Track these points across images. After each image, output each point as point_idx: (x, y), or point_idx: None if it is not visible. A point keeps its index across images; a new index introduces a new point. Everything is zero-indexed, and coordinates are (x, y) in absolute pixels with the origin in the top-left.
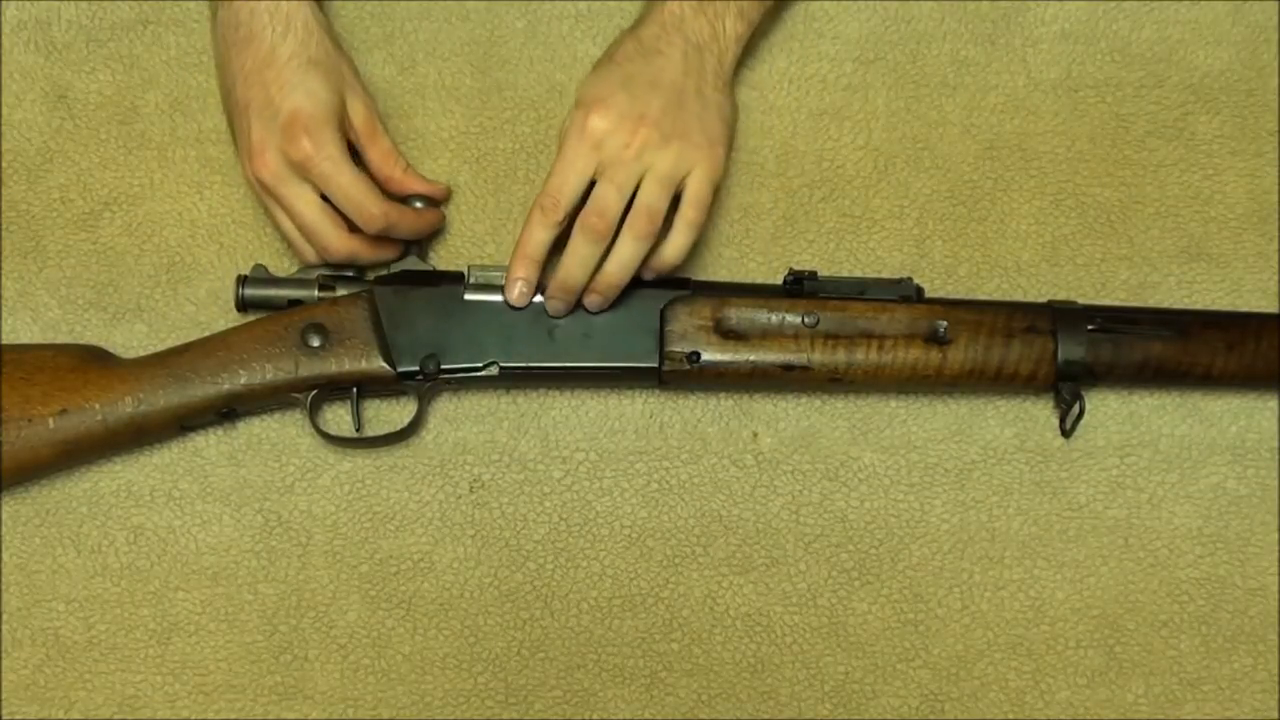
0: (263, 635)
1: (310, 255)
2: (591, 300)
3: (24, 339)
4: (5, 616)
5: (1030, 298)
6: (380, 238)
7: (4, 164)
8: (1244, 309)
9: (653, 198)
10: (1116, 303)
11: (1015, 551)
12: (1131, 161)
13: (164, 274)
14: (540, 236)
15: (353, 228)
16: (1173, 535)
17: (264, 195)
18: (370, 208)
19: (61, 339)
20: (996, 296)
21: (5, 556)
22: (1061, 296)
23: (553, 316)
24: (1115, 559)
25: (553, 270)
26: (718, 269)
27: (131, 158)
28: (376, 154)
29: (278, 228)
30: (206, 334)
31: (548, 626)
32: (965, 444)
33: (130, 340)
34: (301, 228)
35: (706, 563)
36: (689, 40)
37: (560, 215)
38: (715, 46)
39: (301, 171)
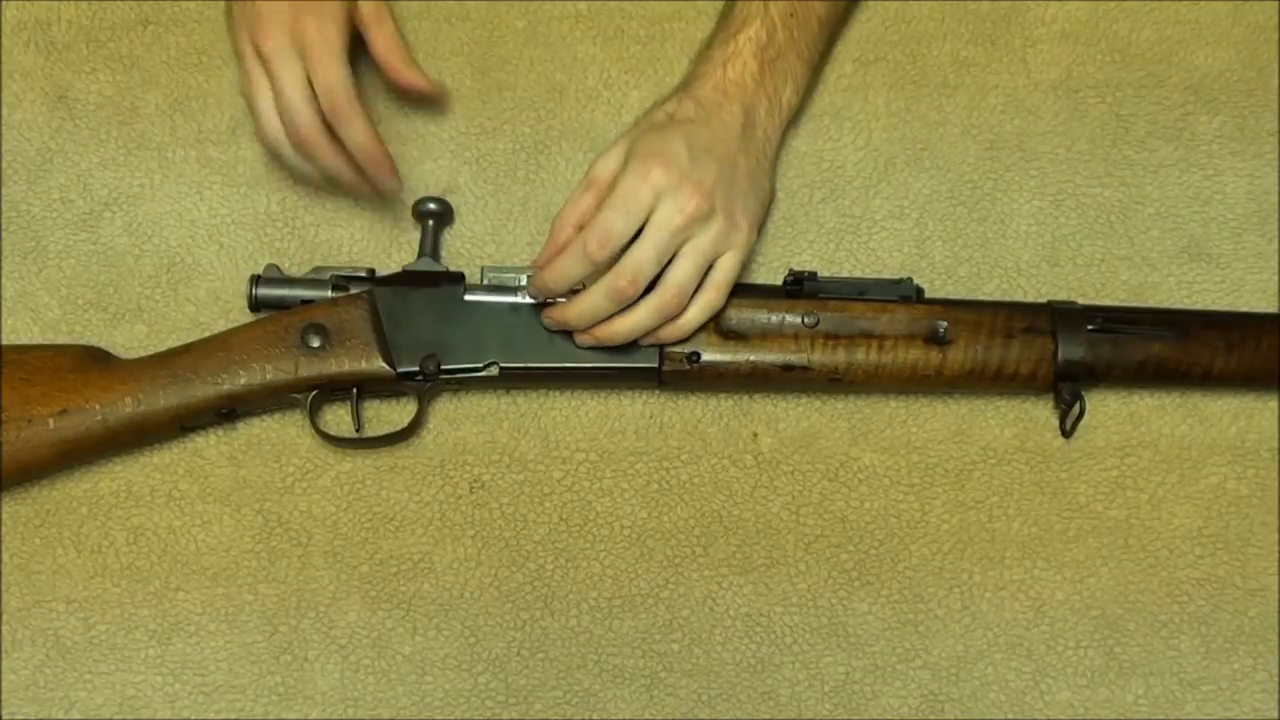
0: (263, 635)
1: (273, 134)
2: (583, 340)
3: (24, 339)
4: (5, 617)
5: (1030, 298)
6: (355, 170)
7: (4, 164)
8: (1244, 309)
9: (687, 276)
10: (1116, 303)
11: (1015, 552)
12: (1131, 161)
13: (164, 274)
14: (576, 271)
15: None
16: (1173, 535)
17: (253, 66)
18: (341, 105)
19: (62, 339)
20: (996, 296)
21: (5, 556)
22: (1061, 296)
23: (529, 298)
24: (1115, 559)
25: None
26: None
27: (131, 158)
28: (381, 39)
29: (251, 100)
30: (207, 334)
31: (548, 627)
32: (965, 444)
33: (130, 340)
34: (284, 107)
35: (706, 563)
36: (747, 112)
37: (604, 258)
38: (769, 123)
39: (300, 49)
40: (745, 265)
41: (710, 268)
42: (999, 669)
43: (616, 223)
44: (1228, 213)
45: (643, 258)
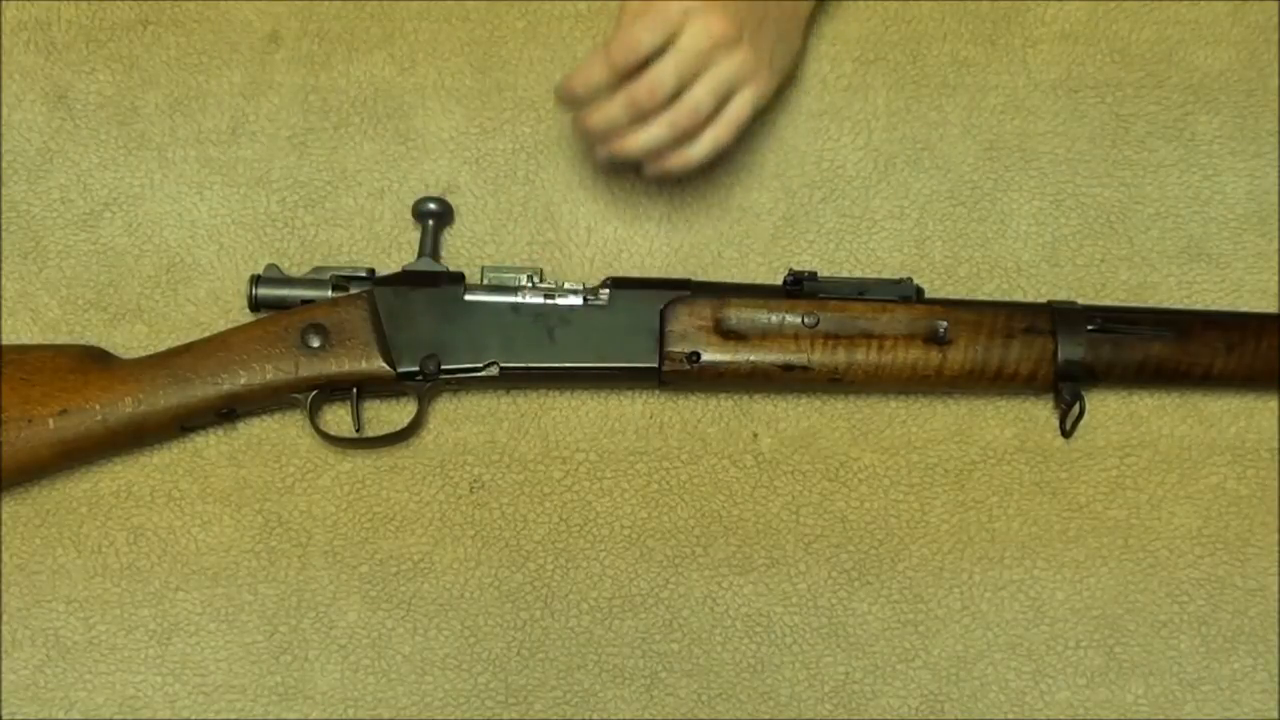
0: (263, 635)
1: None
2: (600, 152)
3: (24, 339)
4: (5, 617)
5: (1030, 298)
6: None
7: (4, 164)
8: (1244, 309)
9: (704, 100)
10: (1116, 303)
11: (1015, 552)
12: (1131, 161)
13: (164, 274)
14: (598, 76)
15: None
16: (1172, 536)
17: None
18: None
19: (62, 339)
20: (996, 296)
21: (5, 557)
22: (1061, 297)
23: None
24: (1115, 559)
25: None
26: (718, 269)
27: (131, 158)
28: None
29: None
30: (207, 334)
31: (548, 627)
32: (965, 445)
33: (130, 340)
34: (665, 71)
35: (706, 563)
36: None
37: (625, 66)
38: None
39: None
40: (760, 108)
41: (728, 104)
42: (999, 669)
43: (643, 35)
44: (1228, 213)
45: (661, 71)
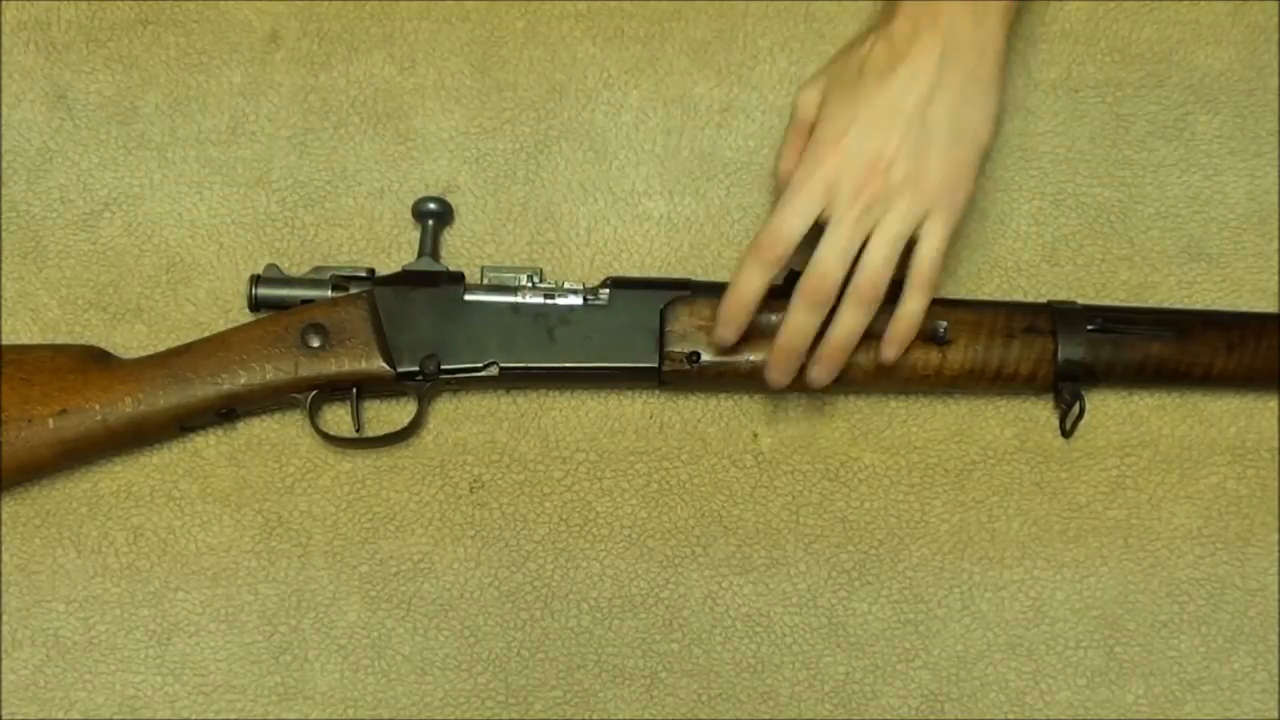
0: (263, 636)
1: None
2: (814, 373)
3: (24, 339)
4: (5, 617)
5: (1030, 298)
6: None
7: (4, 164)
8: (1244, 309)
9: (877, 265)
10: (1116, 303)
11: (1015, 552)
12: (1131, 161)
13: (164, 274)
14: (756, 280)
15: None
16: (1172, 535)
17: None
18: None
19: (62, 339)
20: (996, 297)
21: (5, 557)
22: (1061, 297)
23: (773, 388)
24: (1115, 559)
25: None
26: (718, 269)
27: (131, 158)
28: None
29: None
30: (207, 334)
31: (548, 627)
32: (965, 444)
33: (131, 340)
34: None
35: (706, 563)
36: (947, 38)
37: (777, 258)
38: (979, 35)
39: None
40: (962, 221)
41: (914, 253)
42: (999, 669)
43: (789, 223)
44: (1228, 213)
45: (823, 257)
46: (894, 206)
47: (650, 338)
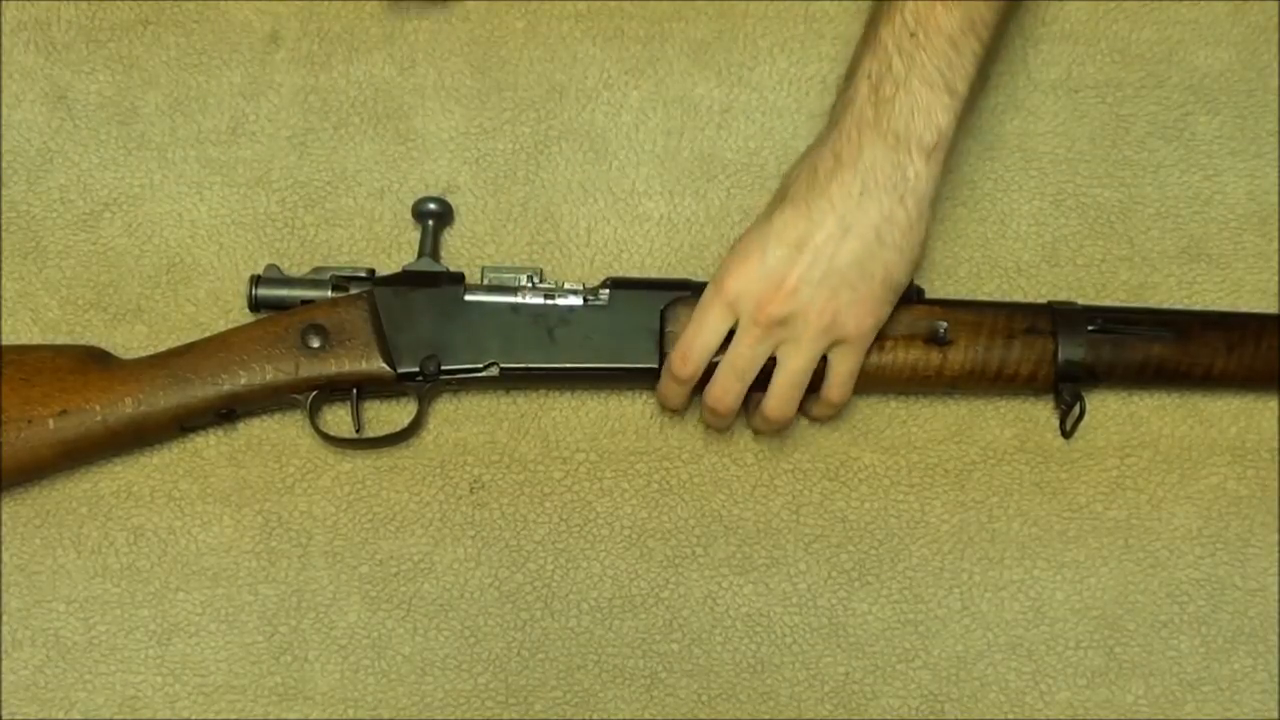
0: (263, 636)
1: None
2: (760, 425)
3: (24, 339)
4: (5, 617)
5: (1030, 298)
6: None
7: (4, 164)
8: (1244, 309)
9: (781, 399)
10: (1117, 303)
11: (1015, 552)
12: (1131, 162)
13: (164, 275)
14: (677, 394)
15: None
16: (1172, 536)
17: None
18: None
19: (62, 339)
20: (996, 297)
21: (5, 557)
22: (1062, 297)
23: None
24: (1115, 560)
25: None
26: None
27: (131, 158)
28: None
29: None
30: (207, 335)
31: (548, 627)
32: (965, 445)
33: (131, 340)
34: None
35: (706, 563)
36: (866, 178)
37: (690, 375)
38: (898, 180)
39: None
40: (868, 343)
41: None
42: (999, 669)
43: (696, 342)
44: (1228, 213)
45: (720, 381)
46: (798, 338)
47: (651, 338)
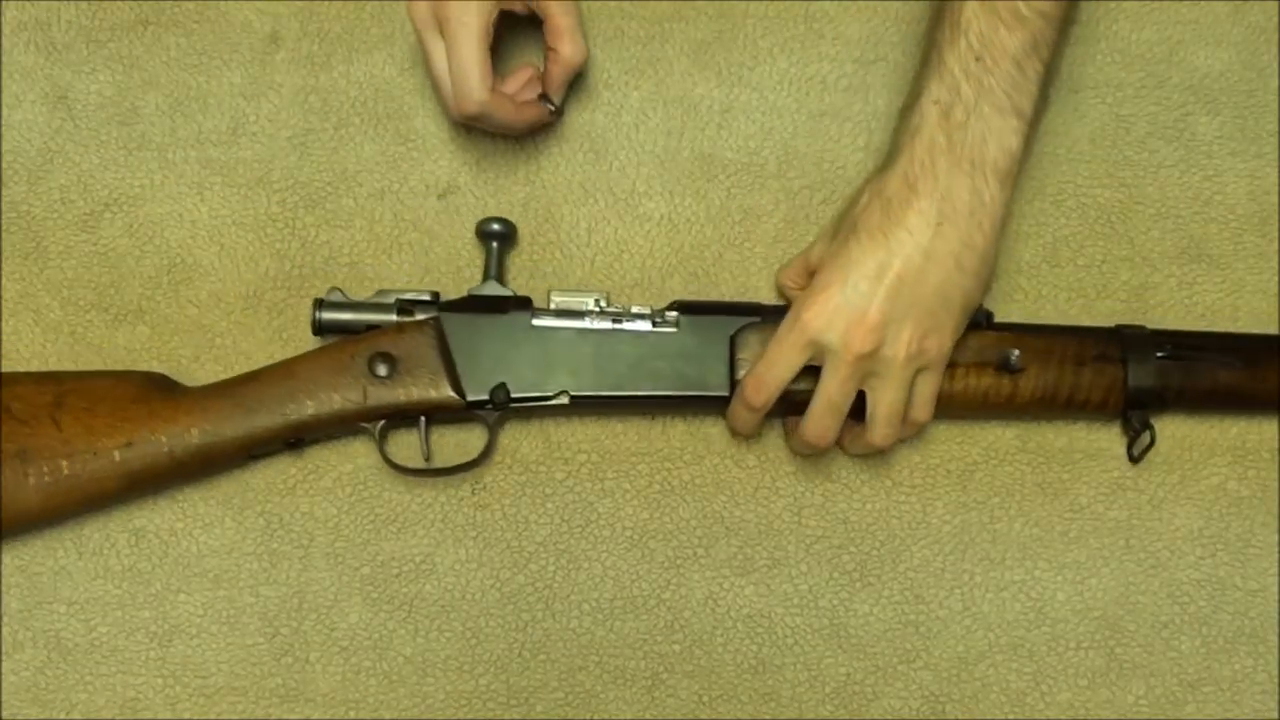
0: (264, 637)
1: (448, 103)
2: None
3: (25, 340)
4: (6, 618)
5: (1030, 298)
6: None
7: (4, 165)
8: (1244, 309)
9: (883, 433)
10: (1182, 328)
11: (1016, 553)
12: (1131, 162)
13: (165, 275)
14: (748, 421)
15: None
16: (1173, 536)
17: (416, 34)
18: (470, 94)
19: (63, 340)
20: (999, 299)
21: (6, 558)
22: (1061, 297)
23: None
24: (1116, 560)
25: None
26: (719, 272)
27: (132, 159)
28: (563, 52)
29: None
30: (210, 335)
31: (549, 628)
32: (967, 445)
33: (132, 342)
34: (432, 78)
35: (708, 564)
36: (943, 205)
37: (763, 404)
38: (976, 206)
39: (440, 26)
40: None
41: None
42: (1000, 670)
43: (772, 373)
44: (1228, 213)
45: (815, 417)
46: (888, 373)
47: (721, 365)
